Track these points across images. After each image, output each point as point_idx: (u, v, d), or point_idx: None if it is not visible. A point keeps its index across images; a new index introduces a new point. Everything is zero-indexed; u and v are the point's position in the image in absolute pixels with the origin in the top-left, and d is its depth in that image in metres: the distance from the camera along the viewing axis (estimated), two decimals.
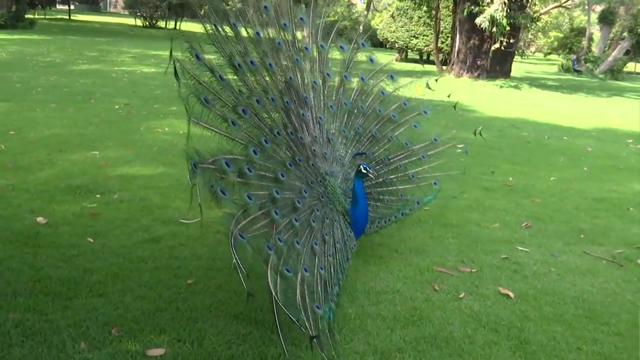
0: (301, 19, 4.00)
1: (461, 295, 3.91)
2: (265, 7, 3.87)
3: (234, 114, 3.60)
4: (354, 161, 4.04)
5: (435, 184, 4.56)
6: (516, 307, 3.80)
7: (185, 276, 3.90)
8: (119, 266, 3.98)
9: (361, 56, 4.37)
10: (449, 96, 4.61)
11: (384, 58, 4.55)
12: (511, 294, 3.98)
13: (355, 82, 4.28)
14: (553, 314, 3.75)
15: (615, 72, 31.09)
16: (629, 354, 3.35)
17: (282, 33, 3.89)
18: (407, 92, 4.42)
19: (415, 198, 4.47)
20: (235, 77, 3.71)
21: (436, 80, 4.19)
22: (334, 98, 4.12)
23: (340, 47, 4.26)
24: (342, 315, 3.52)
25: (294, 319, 2.85)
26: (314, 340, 2.81)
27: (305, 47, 4.01)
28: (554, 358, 3.28)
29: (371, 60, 4.39)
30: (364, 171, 3.68)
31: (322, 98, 4.02)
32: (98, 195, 5.36)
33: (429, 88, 4.15)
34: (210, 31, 3.62)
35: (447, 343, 3.31)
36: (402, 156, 4.36)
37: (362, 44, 4.32)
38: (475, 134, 4.55)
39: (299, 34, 3.96)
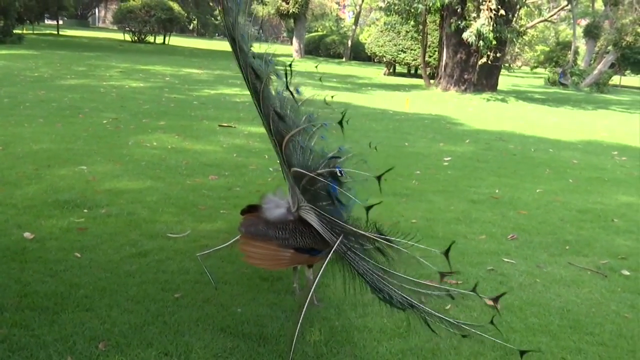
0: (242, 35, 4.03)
1: (447, 307, 3.94)
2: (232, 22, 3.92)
3: None
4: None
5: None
6: (502, 318, 3.83)
7: (173, 290, 3.91)
8: (106, 280, 3.98)
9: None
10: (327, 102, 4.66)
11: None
12: (497, 305, 4.01)
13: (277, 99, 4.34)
14: (538, 325, 3.79)
15: (600, 85, 31.57)
16: None
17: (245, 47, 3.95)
18: (314, 104, 4.48)
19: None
20: None
21: (332, 97, 4.27)
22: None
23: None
24: (329, 327, 3.55)
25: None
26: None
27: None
28: None
29: (277, 75, 4.44)
30: (339, 175, 3.68)
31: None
32: (85, 210, 5.36)
33: (326, 103, 4.22)
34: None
35: (434, 355, 3.33)
36: (324, 164, 4.39)
37: (270, 60, 4.37)
38: (370, 146, 4.63)
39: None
